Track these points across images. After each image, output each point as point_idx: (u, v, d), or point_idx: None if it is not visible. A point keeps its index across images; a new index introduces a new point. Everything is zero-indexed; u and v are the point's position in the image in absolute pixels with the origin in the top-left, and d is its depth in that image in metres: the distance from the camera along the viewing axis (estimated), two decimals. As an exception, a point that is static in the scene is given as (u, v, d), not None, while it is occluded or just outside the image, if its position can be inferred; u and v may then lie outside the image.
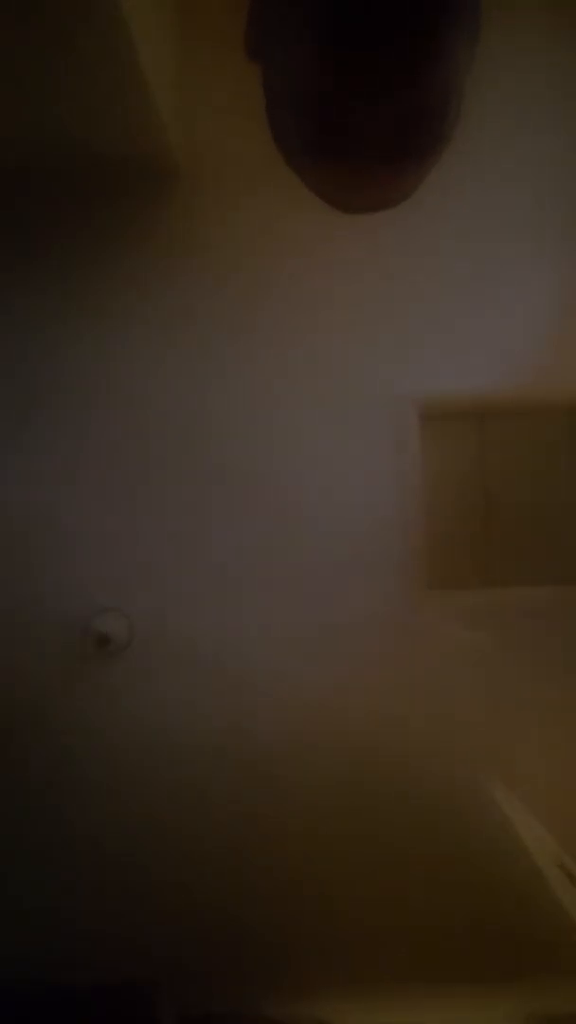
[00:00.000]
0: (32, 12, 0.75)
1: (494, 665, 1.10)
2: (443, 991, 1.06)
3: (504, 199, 1.12)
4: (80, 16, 0.76)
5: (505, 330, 1.11)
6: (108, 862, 1.09)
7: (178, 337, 1.11)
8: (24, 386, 1.11)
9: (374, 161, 0.76)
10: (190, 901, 1.08)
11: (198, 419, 1.11)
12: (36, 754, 1.09)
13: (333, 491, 1.11)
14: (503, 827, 1.07)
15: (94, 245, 1.10)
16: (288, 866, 1.08)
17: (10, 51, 0.81)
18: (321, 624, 1.10)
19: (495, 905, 1.07)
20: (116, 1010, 1.00)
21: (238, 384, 1.11)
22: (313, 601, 1.10)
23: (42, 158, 1.07)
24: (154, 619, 1.10)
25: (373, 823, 1.09)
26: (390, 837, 1.09)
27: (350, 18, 0.64)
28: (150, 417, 1.11)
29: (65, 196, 1.10)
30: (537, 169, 1.12)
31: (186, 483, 1.11)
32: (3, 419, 1.11)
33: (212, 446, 1.11)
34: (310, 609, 1.10)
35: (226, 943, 1.08)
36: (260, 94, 0.92)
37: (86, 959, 1.07)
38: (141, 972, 1.06)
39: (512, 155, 1.12)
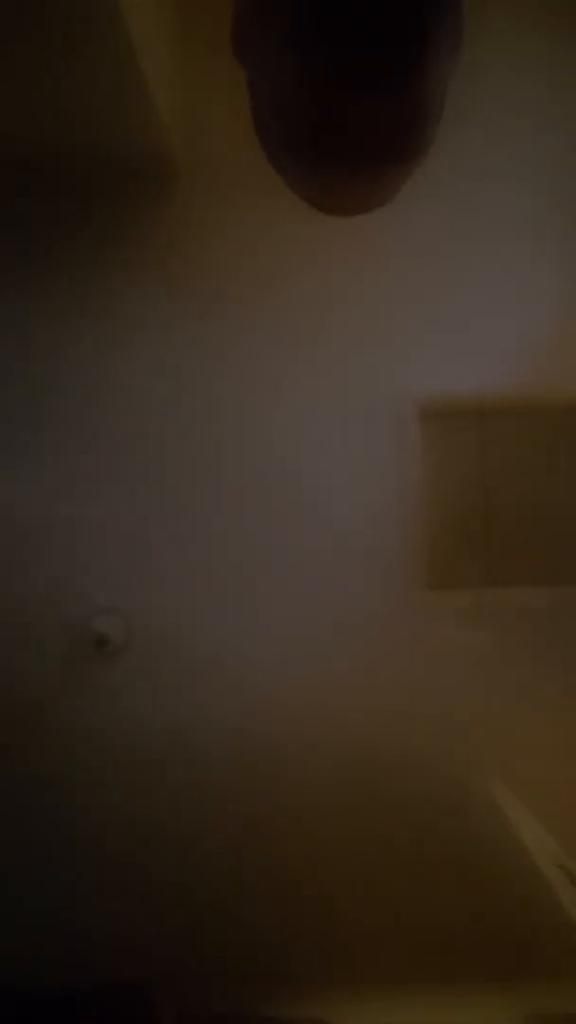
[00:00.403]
0: (32, 12, 0.75)
1: (494, 665, 1.10)
2: (443, 991, 1.06)
3: (504, 199, 1.12)
4: (80, 16, 0.76)
5: (505, 330, 1.11)
6: (108, 862, 1.09)
7: (178, 337, 1.11)
8: (24, 386, 1.11)
9: (359, 164, 0.76)
10: (190, 901, 1.08)
11: (198, 419, 1.11)
12: (36, 754, 1.09)
13: (333, 491, 1.11)
14: (503, 827, 1.07)
15: (94, 245, 1.11)
16: (288, 866, 1.08)
17: (10, 51, 0.82)
18: (321, 624, 1.10)
19: (495, 905, 1.07)
20: (116, 1010, 1.00)
21: (238, 385, 1.11)
22: (313, 601, 1.10)
23: (42, 158, 1.07)
24: (154, 619, 1.10)
25: (373, 823, 1.09)
26: (390, 837, 1.09)
27: (339, 19, 0.64)
28: (150, 417, 1.11)
29: (65, 196, 1.10)
30: (537, 169, 1.12)
31: (185, 484, 1.11)
32: (3, 420, 1.11)
33: (212, 447, 1.11)
34: (310, 609, 1.10)
35: (226, 943, 1.08)
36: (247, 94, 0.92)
37: (86, 959, 1.07)
38: (141, 972, 1.06)
39: (512, 155, 1.12)
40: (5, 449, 1.10)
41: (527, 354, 1.11)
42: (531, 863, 1.04)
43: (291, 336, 1.11)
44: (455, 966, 1.07)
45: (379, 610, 1.10)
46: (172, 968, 1.08)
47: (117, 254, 1.11)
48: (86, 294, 1.11)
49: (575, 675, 1.10)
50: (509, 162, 1.12)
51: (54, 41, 0.80)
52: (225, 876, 1.08)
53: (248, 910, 1.08)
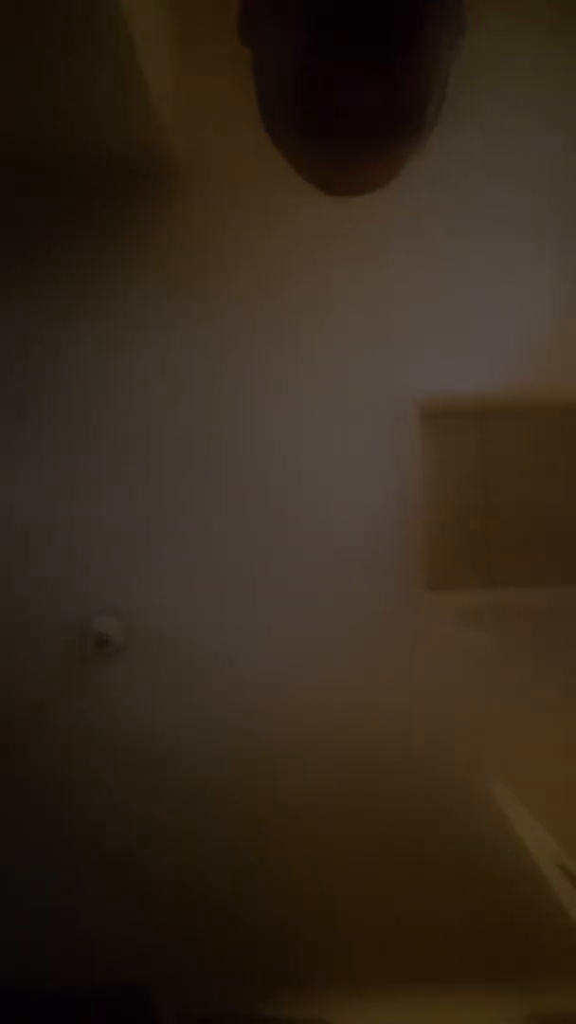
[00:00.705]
0: (32, 12, 0.75)
1: (494, 665, 1.10)
2: (443, 991, 1.06)
3: (504, 199, 1.12)
4: (80, 16, 0.76)
5: (505, 330, 1.11)
6: (108, 862, 1.09)
7: (178, 337, 1.11)
8: (24, 386, 1.11)
9: (358, 142, 0.78)
10: (190, 901, 1.08)
11: (198, 420, 1.11)
12: (36, 754, 1.09)
13: (333, 491, 1.11)
14: (503, 827, 1.07)
15: (94, 245, 1.11)
16: (288, 866, 1.08)
17: (10, 51, 0.82)
18: (321, 624, 1.10)
19: (495, 905, 1.07)
20: (116, 1011, 1.00)
21: (238, 385, 1.11)
22: (313, 601, 1.10)
23: (42, 159, 1.07)
24: (154, 619, 1.10)
25: (373, 823, 1.09)
26: (390, 837, 1.09)
27: (343, 7, 0.66)
28: (150, 417, 1.11)
29: (65, 196, 1.10)
30: (537, 169, 1.12)
31: (186, 483, 1.11)
32: (3, 420, 1.11)
33: (212, 447, 1.11)
34: (310, 609, 1.10)
35: (226, 943, 1.08)
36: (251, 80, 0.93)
37: (86, 959, 1.08)
38: (141, 972, 1.06)
39: (512, 155, 1.12)
40: (5, 449, 1.10)
41: (527, 354, 1.11)
42: (531, 863, 1.04)
43: (291, 336, 1.11)
44: (455, 966, 1.07)
45: (379, 610, 1.10)
46: (172, 968, 1.08)
47: (117, 254, 1.11)
48: (86, 294, 1.11)
49: (575, 675, 1.10)
50: (509, 162, 1.12)
51: (54, 41, 0.80)
52: (225, 876, 1.08)
53: (248, 910, 1.08)
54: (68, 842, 1.09)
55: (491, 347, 1.11)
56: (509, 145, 1.12)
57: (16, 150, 1.04)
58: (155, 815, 1.09)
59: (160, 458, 1.11)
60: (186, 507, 1.10)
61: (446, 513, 1.12)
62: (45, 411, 1.11)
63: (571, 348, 1.12)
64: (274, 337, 1.11)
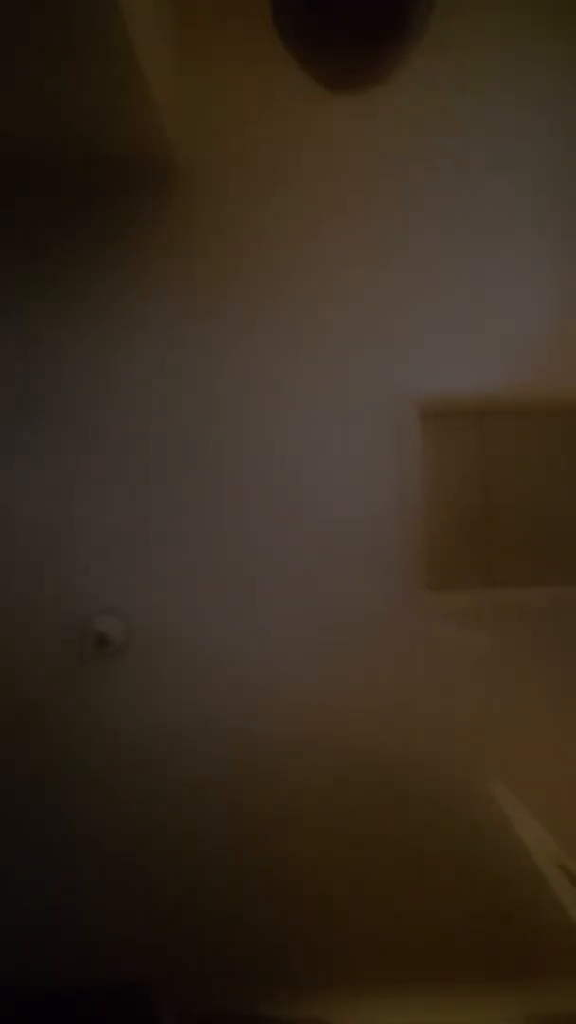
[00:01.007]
0: (32, 12, 0.75)
1: (494, 665, 1.10)
2: (443, 991, 1.06)
3: (505, 200, 1.12)
4: (80, 16, 0.76)
5: (505, 330, 1.12)
6: (108, 862, 1.09)
7: (178, 337, 1.11)
8: (24, 386, 1.11)
9: (351, 45, 0.92)
10: (190, 901, 1.09)
11: (198, 420, 1.11)
12: (36, 754, 1.09)
13: (333, 491, 1.11)
14: (503, 827, 1.07)
15: (94, 245, 1.11)
16: (288, 866, 1.08)
17: (10, 51, 0.82)
18: (321, 624, 1.10)
19: (495, 905, 1.07)
20: (116, 1011, 1.00)
21: (238, 385, 1.11)
22: (313, 601, 1.10)
23: (43, 159, 1.07)
24: (154, 619, 1.10)
25: (373, 823, 1.09)
26: (390, 837, 1.09)
27: None
28: (150, 417, 1.11)
29: (65, 196, 1.10)
30: (538, 170, 1.12)
31: (186, 483, 1.11)
32: (3, 420, 1.11)
33: (212, 447, 1.11)
34: (310, 609, 1.10)
35: (226, 943, 1.08)
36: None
37: (86, 959, 1.08)
38: (141, 972, 1.06)
39: (512, 155, 1.12)
40: (5, 449, 1.10)
41: (527, 354, 1.11)
42: (531, 863, 1.04)
43: (291, 336, 1.11)
44: (455, 966, 1.07)
45: (379, 610, 1.10)
46: (172, 968, 1.08)
47: (117, 254, 1.11)
48: (86, 294, 1.11)
49: (575, 675, 1.10)
50: (509, 163, 1.12)
51: (54, 41, 0.80)
52: (225, 876, 1.08)
53: (248, 910, 1.08)
54: (68, 842, 1.09)
55: (491, 347, 1.11)
56: (509, 145, 1.12)
57: (16, 150, 1.05)
58: (155, 815, 1.09)
59: (160, 458, 1.11)
60: (186, 507, 1.11)
61: (446, 513, 1.12)
62: (45, 411, 1.11)
63: (571, 348, 1.12)
64: (274, 337, 1.11)
